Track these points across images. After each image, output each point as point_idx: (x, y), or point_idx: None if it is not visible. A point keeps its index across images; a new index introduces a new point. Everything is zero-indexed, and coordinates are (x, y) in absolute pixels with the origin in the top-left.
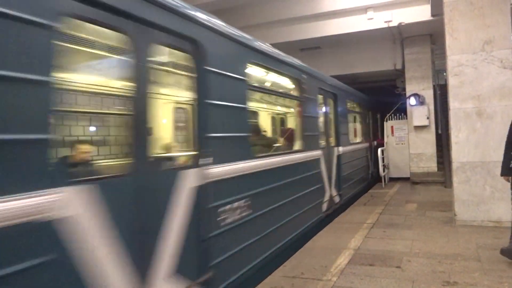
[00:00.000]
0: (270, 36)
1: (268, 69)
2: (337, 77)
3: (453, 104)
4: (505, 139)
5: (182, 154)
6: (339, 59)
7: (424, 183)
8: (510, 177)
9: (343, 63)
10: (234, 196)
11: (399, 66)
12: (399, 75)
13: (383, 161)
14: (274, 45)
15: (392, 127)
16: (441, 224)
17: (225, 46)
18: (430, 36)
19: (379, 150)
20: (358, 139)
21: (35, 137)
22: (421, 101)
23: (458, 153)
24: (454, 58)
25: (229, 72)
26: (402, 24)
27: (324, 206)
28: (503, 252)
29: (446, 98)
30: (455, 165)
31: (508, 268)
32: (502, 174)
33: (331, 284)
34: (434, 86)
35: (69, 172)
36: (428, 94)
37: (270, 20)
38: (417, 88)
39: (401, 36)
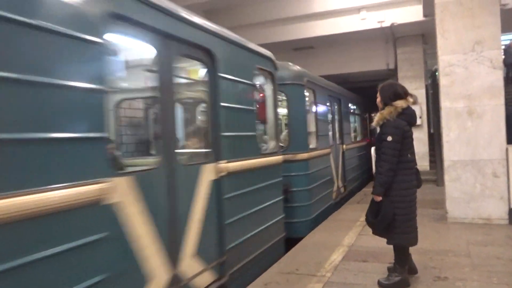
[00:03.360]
0: (263, 36)
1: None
2: (330, 77)
3: (444, 103)
4: (494, 137)
5: None
6: (332, 59)
7: None
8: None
9: (336, 62)
10: None
11: (391, 66)
12: (392, 74)
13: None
14: (267, 45)
15: None
16: (433, 221)
17: None
18: (422, 36)
19: (372, 149)
20: (358, 138)
21: None
22: (414, 101)
23: (449, 151)
24: (445, 58)
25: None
26: (395, 24)
27: (334, 195)
28: (382, 285)
29: (438, 98)
30: (446, 163)
31: (497, 264)
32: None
33: (325, 279)
34: (426, 85)
35: None
36: (421, 94)
37: (263, 20)
38: (410, 87)
39: (393, 36)
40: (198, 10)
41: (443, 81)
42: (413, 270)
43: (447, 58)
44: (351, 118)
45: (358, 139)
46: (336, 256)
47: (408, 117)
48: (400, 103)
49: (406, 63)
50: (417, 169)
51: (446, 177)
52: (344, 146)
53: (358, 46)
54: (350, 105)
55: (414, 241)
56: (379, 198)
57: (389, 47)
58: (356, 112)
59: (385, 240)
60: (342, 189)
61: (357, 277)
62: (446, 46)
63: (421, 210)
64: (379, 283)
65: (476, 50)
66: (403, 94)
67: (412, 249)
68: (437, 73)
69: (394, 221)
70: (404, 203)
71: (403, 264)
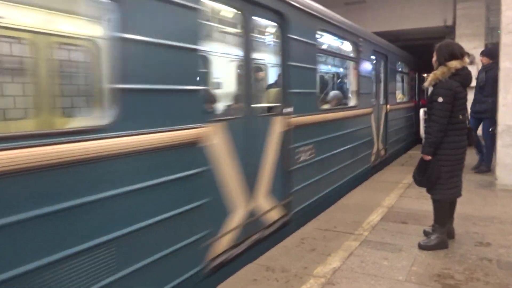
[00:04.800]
0: None
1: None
2: (382, 34)
3: (504, 63)
4: None
5: None
6: (385, 15)
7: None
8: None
9: (389, 18)
10: None
11: (449, 22)
12: (449, 32)
13: (425, 122)
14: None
15: None
16: (480, 188)
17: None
18: None
19: (421, 110)
20: (405, 99)
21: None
22: (470, 61)
23: (505, 115)
24: (509, 13)
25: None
26: None
27: (371, 159)
28: (421, 247)
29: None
30: (500, 127)
31: None
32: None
33: (362, 238)
34: (486, 44)
35: None
36: (479, 53)
37: None
38: (468, 46)
39: None
40: None
41: (504, 39)
42: (450, 235)
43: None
44: (399, 78)
45: (405, 99)
46: (375, 217)
47: (462, 78)
48: (454, 64)
49: (466, 19)
50: (469, 128)
51: (499, 142)
52: (388, 106)
53: (414, 1)
54: (398, 63)
55: (456, 195)
56: (427, 157)
57: (448, 2)
58: (405, 71)
59: (426, 202)
60: (382, 152)
61: (394, 238)
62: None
63: (469, 175)
64: (419, 245)
65: None
66: (459, 54)
67: (455, 214)
68: (499, 31)
69: (439, 179)
70: (450, 161)
71: (443, 223)
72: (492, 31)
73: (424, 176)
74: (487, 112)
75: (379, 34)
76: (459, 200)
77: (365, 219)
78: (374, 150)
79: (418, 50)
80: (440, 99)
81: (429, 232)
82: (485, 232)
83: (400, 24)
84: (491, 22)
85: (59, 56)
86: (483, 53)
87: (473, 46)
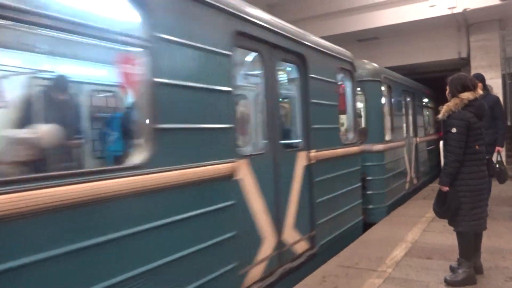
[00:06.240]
0: (326, 28)
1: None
2: (396, 68)
3: None
4: None
5: None
6: (398, 49)
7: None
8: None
9: (403, 53)
10: None
11: (464, 55)
12: (464, 64)
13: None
14: (330, 38)
15: None
16: (508, 220)
17: None
18: (499, 21)
19: (441, 142)
20: (430, 131)
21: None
22: (487, 91)
23: None
24: None
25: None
26: (468, 10)
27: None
28: (448, 282)
29: None
30: None
31: None
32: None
33: (386, 275)
34: (503, 75)
35: None
36: (496, 84)
37: (325, 11)
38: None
39: (466, 23)
40: (262, 4)
41: None
42: (478, 270)
43: None
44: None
45: (430, 132)
46: (399, 252)
47: (475, 109)
48: (467, 95)
49: (481, 51)
50: (488, 159)
51: None
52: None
53: (427, 35)
54: (424, 98)
55: (480, 228)
56: (445, 188)
57: (462, 35)
58: (429, 105)
59: (450, 237)
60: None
61: (419, 274)
62: None
63: (496, 207)
64: (445, 280)
65: None
66: (471, 86)
67: (483, 248)
68: None
69: (459, 210)
70: (470, 192)
71: (468, 256)
72: (509, 61)
73: (443, 208)
74: (491, 145)
75: (393, 68)
76: (486, 233)
77: (388, 255)
78: None
79: (435, 84)
80: (454, 130)
81: (455, 267)
82: None
83: (414, 58)
84: (507, 52)
85: None
86: None
87: (489, 77)
